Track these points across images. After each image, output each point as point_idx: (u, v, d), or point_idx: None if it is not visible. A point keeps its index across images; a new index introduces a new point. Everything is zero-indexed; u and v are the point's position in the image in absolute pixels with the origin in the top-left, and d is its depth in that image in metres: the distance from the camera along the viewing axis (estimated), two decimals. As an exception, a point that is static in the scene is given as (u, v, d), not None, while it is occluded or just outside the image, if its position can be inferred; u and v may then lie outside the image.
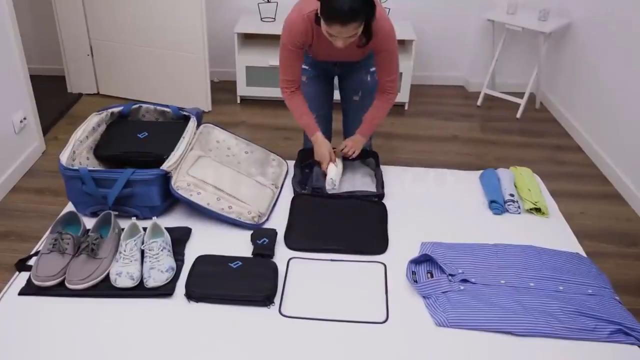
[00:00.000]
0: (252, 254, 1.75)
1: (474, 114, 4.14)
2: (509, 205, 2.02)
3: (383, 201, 2.04)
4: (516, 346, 1.48)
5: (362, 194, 2.05)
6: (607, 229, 2.94)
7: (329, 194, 2.06)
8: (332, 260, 1.76)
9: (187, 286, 1.59)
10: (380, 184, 2.11)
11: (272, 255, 1.75)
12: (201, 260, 1.68)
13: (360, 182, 2.18)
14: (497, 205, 2.01)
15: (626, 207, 3.14)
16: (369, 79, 2.39)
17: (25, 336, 1.45)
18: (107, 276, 1.63)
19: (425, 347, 1.47)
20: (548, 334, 1.50)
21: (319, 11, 1.90)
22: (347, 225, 1.90)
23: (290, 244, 1.81)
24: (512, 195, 2.04)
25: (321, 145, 2.20)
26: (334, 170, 2.11)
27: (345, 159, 2.24)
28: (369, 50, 2.19)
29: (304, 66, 2.36)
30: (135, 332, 1.48)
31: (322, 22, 1.90)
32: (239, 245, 1.80)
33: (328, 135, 2.55)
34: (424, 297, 1.62)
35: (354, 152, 2.22)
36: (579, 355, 1.47)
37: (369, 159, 2.28)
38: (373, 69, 2.37)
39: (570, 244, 1.89)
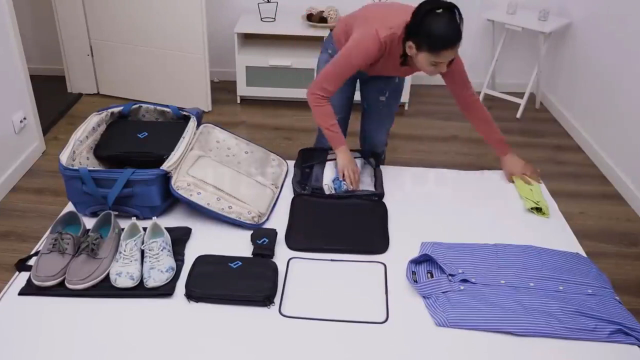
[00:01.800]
0: (252, 254, 1.75)
1: (474, 114, 4.13)
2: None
3: (383, 201, 2.04)
4: (516, 346, 1.48)
5: (362, 193, 2.05)
6: (607, 229, 2.94)
7: (327, 194, 2.06)
8: (332, 260, 1.76)
9: (187, 286, 1.59)
10: (379, 183, 2.11)
11: (272, 255, 1.75)
12: (201, 260, 1.68)
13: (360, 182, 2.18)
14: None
15: (626, 207, 3.14)
16: (397, 80, 2.41)
17: (25, 336, 1.45)
18: (107, 276, 1.63)
19: (425, 347, 1.47)
20: (548, 334, 1.50)
21: (411, 49, 1.92)
22: (348, 225, 1.90)
23: (291, 244, 1.81)
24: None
25: (345, 160, 2.11)
26: (329, 176, 2.11)
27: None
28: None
29: None
30: (135, 332, 1.48)
31: (424, 54, 1.90)
32: (239, 245, 1.80)
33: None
34: (424, 297, 1.62)
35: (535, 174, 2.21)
36: (579, 356, 1.47)
37: (370, 158, 2.28)
38: None
39: (570, 244, 1.89)
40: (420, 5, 1.90)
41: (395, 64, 2.09)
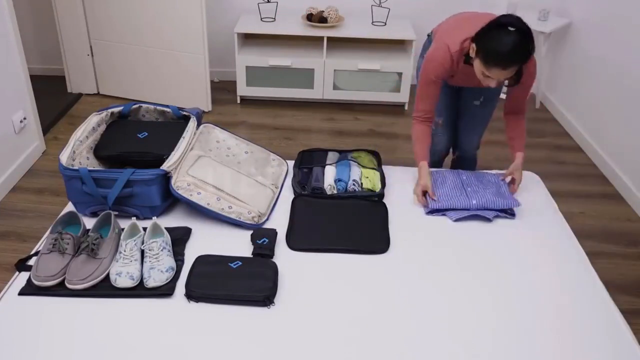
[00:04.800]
0: (252, 254, 1.75)
1: (474, 114, 4.13)
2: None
3: (383, 201, 2.04)
4: (515, 345, 1.49)
5: (362, 194, 2.05)
6: (607, 229, 2.94)
7: (329, 194, 2.06)
8: (333, 259, 1.76)
9: (187, 286, 1.59)
10: (382, 183, 2.10)
11: (272, 255, 1.75)
12: (201, 260, 1.68)
13: None
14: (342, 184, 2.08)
15: (626, 207, 3.14)
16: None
17: (25, 336, 1.45)
18: (107, 276, 1.63)
19: (429, 346, 1.47)
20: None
21: (473, 52, 1.91)
22: (349, 225, 1.90)
23: (292, 244, 1.81)
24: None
25: (423, 176, 2.09)
26: (331, 176, 2.11)
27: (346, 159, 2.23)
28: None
29: None
30: (135, 332, 1.48)
31: (478, 61, 1.90)
32: (239, 245, 1.80)
33: (452, 141, 2.59)
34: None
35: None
36: (579, 356, 1.47)
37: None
38: None
39: (570, 244, 1.89)
40: (501, 16, 1.88)
41: (474, 76, 2.05)
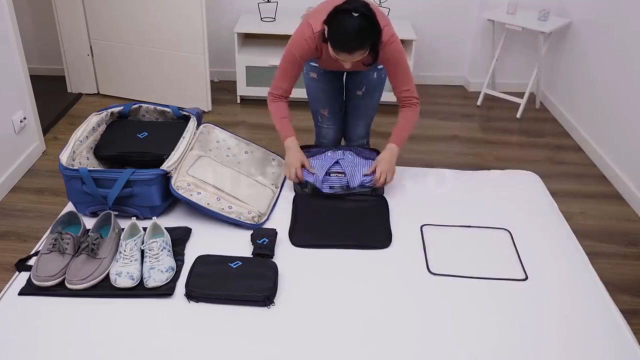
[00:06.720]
0: (252, 254, 1.75)
1: (474, 114, 4.14)
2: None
3: (384, 196, 2.05)
4: (515, 344, 1.49)
5: (361, 192, 2.05)
6: (607, 229, 2.94)
7: (327, 192, 2.06)
8: (333, 257, 1.76)
9: (187, 286, 1.59)
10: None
11: (272, 255, 1.75)
12: (201, 260, 1.68)
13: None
14: None
15: (626, 207, 3.14)
16: (374, 75, 2.41)
17: (25, 336, 1.45)
18: (107, 276, 1.63)
19: (431, 343, 1.47)
20: None
21: (326, 33, 1.92)
22: (350, 221, 1.91)
23: (295, 240, 1.82)
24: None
25: (292, 154, 2.12)
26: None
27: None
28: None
29: (313, 64, 2.40)
30: (135, 332, 1.48)
31: (329, 45, 1.93)
32: (239, 245, 1.80)
33: (341, 132, 2.60)
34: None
35: (388, 178, 2.09)
36: (579, 355, 1.47)
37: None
38: (381, 66, 2.39)
39: (570, 244, 1.89)
40: (346, 1, 1.88)
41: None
